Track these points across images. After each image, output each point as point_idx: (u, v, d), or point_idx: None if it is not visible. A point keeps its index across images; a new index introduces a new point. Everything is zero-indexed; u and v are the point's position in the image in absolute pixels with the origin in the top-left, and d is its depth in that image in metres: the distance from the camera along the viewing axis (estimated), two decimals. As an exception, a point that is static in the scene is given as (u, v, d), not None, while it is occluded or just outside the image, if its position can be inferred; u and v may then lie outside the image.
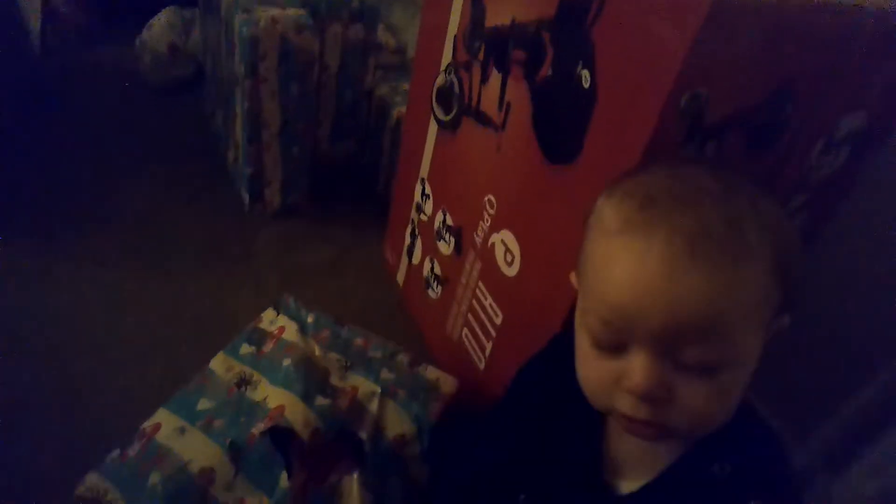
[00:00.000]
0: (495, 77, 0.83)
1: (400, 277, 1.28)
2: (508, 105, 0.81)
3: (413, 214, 1.18)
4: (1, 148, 1.39)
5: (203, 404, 0.74)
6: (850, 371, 0.93)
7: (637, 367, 0.40)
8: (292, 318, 0.88)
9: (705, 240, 0.38)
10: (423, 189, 1.12)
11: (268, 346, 0.83)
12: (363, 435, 0.74)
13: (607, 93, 0.61)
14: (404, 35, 1.70)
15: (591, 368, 0.45)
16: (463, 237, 0.99)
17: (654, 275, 0.39)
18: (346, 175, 1.57)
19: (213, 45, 1.53)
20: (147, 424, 0.72)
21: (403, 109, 1.42)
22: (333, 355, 0.83)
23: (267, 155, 1.35)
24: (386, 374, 0.82)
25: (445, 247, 1.06)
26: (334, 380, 0.79)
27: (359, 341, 0.88)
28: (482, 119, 0.88)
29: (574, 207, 0.70)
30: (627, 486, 0.49)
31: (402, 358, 0.87)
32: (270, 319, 0.88)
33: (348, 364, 0.82)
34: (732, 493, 0.44)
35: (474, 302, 0.98)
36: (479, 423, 0.70)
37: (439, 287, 1.10)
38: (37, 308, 1.10)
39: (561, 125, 0.70)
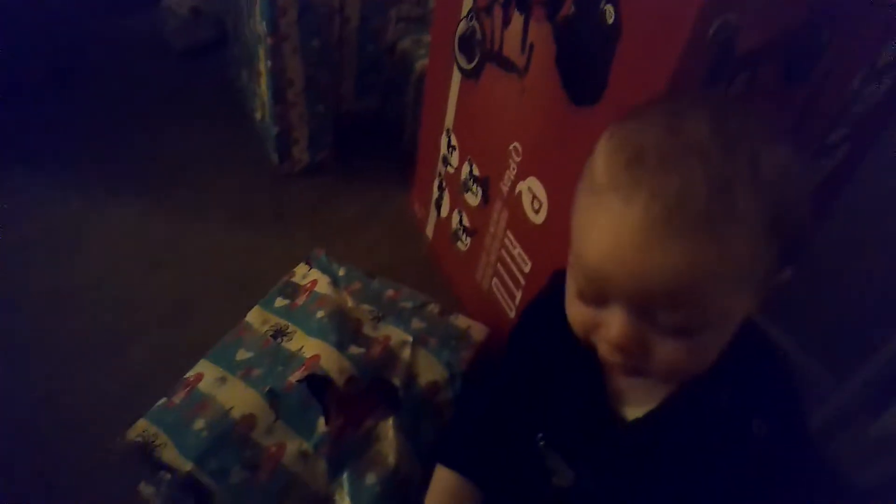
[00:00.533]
0: (517, 19, 0.81)
1: (429, 231, 1.28)
2: (531, 47, 0.79)
3: (440, 167, 1.18)
4: (29, 114, 1.43)
5: (241, 355, 0.77)
6: (889, 313, 0.91)
7: (614, 322, 0.41)
8: (324, 271, 0.89)
9: (684, 210, 0.36)
10: (449, 141, 1.11)
11: (301, 299, 0.85)
12: (396, 382, 0.76)
13: (632, 26, 0.59)
14: (425, -16, 1.65)
15: (575, 312, 0.45)
16: (490, 187, 0.98)
17: (627, 243, 0.38)
18: (372, 130, 1.56)
19: (234, 6, 1.52)
20: (190, 374, 0.75)
21: (426, 62, 1.40)
22: (365, 306, 0.84)
23: (293, 113, 1.35)
24: (417, 324, 0.84)
25: (473, 198, 1.05)
26: (367, 330, 0.81)
27: (389, 293, 0.89)
28: (505, 64, 0.86)
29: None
30: (632, 412, 0.50)
31: (433, 308, 0.88)
32: (303, 273, 0.90)
33: (380, 315, 0.83)
34: (735, 415, 0.45)
35: (503, 251, 0.98)
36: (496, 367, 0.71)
37: (468, 238, 1.11)
38: (77, 266, 1.15)
39: (585, 64, 0.68)
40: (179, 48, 1.84)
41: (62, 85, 1.55)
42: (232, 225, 1.27)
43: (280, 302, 0.85)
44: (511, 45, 0.83)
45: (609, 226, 0.39)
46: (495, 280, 1.02)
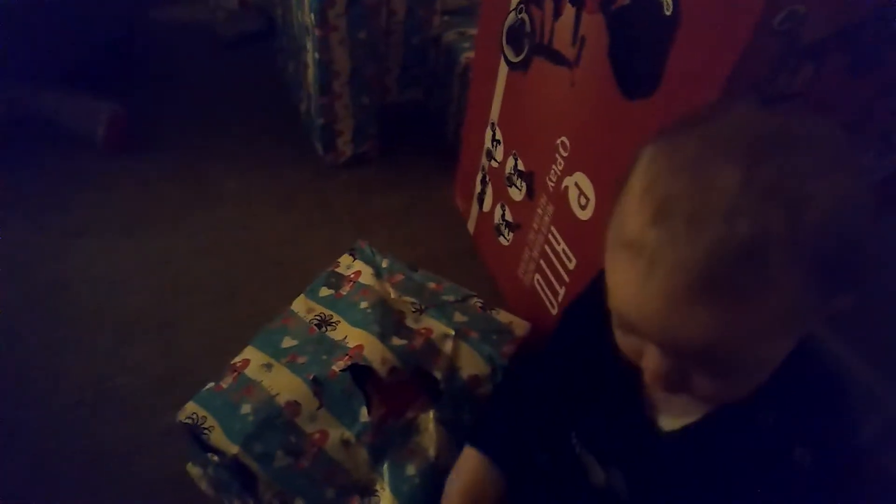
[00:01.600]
0: (569, 11, 0.79)
1: (471, 225, 1.28)
2: (583, 39, 0.77)
3: (483, 161, 1.17)
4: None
5: (287, 342, 0.78)
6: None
7: (650, 358, 0.40)
8: (367, 262, 0.90)
9: (709, 280, 0.34)
10: (494, 135, 1.11)
11: (345, 289, 0.85)
12: (438, 374, 0.76)
13: (691, 16, 0.57)
14: (471, -24, 1.64)
15: (618, 335, 0.44)
16: (535, 182, 0.97)
17: (652, 307, 0.37)
18: (415, 122, 1.57)
19: (282, -3, 1.54)
20: (237, 360, 0.77)
21: (471, 55, 1.39)
22: (407, 298, 0.85)
23: (338, 104, 1.36)
24: (459, 317, 0.83)
25: (517, 192, 1.04)
26: (409, 321, 0.81)
27: (432, 285, 0.89)
28: (555, 57, 0.85)
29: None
30: (669, 423, 0.49)
31: (475, 302, 0.88)
32: (347, 264, 0.91)
33: (422, 307, 0.83)
34: (777, 440, 0.43)
35: (546, 247, 0.97)
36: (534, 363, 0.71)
37: (510, 233, 1.10)
38: (129, 250, 1.19)
39: (639, 56, 0.66)
40: (228, 39, 1.88)
41: (112, 74, 1.60)
42: (277, 214, 1.30)
43: (324, 291, 0.86)
44: (562, 37, 0.82)
45: (634, 285, 0.37)
46: (538, 276, 1.01)
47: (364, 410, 0.71)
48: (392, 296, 0.85)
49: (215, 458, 0.67)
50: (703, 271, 0.34)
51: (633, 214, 0.38)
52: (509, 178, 1.06)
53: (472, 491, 0.61)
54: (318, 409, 0.70)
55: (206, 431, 0.68)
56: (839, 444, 0.44)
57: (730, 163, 0.35)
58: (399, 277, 0.88)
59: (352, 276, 0.88)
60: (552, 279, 0.96)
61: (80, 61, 1.48)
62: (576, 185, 0.85)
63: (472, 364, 0.79)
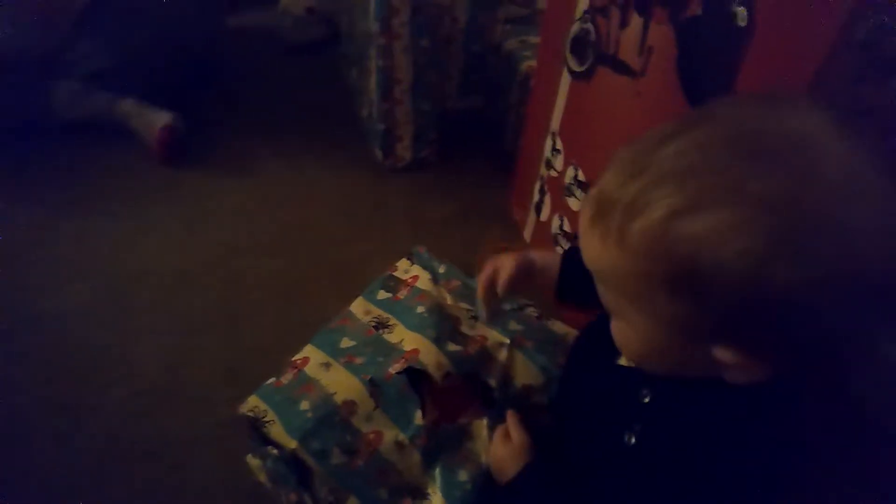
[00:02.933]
0: (636, 21, 0.79)
1: (527, 233, 1.28)
2: (650, 50, 0.77)
3: (542, 170, 1.17)
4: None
5: (345, 343, 0.79)
6: None
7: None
8: (425, 267, 0.91)
9: (594, 217, 0.42)
10: (554, 144, 1.10)
11: (402, 293, 0.86)
12: (492, 382, 0.76)
13: (767, 28, 0.56)
14: (534, -16, 1.64)
15: None
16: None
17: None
18: (474, 129, 1.58)
19: (348, 5, 1.58)
20: (297, 357, 0.79)
21: (532, 63, 1.39)
22: (464, 305, 0.85)
23: (398, 111, 1.38)
24: (514, 325, 0.83)
25: (576, 203, 1.04)
26: (464, 328, 0.81)
27: None
28: (620, 67, 0.84)
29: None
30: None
31: (531, 311, 0.87)
32: (405, 268, 0.92)
33: (477, 314, 0.83)
34: (642, 454, 0.49)
35: (604, 258, 0.96)
36: None
37: (568, 244, 1.09)
38: (196, 248, 1.24)
39: (709, 68, 0.65)
40: (293, 45, 1.94)
41: (180, 79, 1.67)
42: (336, 216, 1.33)
43: (382, 294, 0.87)
44: (628, 47, 0.81)
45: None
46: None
47: (419, 414, 0.71)
48: (448, 301, 0.85)
49: (274, 451, 0.69)
50: (593, 207, 0.42)
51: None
52: (569, 189, 1.06)
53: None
54: (374, 409, 0.71)
55: (266, 425, 0.71)
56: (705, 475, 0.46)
57: (674, 139, 0.38)
58: (456, 284, 0.89)
59: (409, 280, 0.89)
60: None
61: (162, 67, 1.55)
62: (637, 196, 0.84)
63: (526, 373, 0.79)
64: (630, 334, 0.46)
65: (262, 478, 0.80)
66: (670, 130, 0.40)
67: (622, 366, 0.55)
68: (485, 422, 0.73)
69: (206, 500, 0.85)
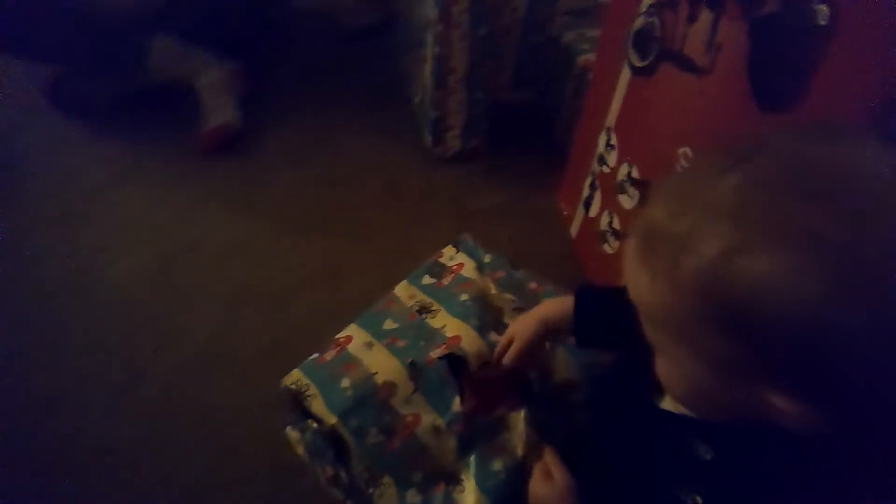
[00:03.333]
0: (706, 16, 0.76)
1: (573, 228, 1.26)
2: (718, 46, 0.74)
3: (594, 166, 1.15)
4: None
5: (388, 325, 0.80)
6: None
7: None
8: (470, 255, 0.91)
9: (642, 241, 0.41)
10: (608, 140, 1.08)
11: (447, 279, 0.87)
12: (531, 375, 0.76)
13: (850, 28, 0.53)
14: (596, -23, 1.61)
15: None
16: (650, 192, 0.94)
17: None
18: (525, 122, 1.56)
19: (407, -9, 1.58)
20: (340, 336, 0.80)
21: (589, 57, 1.37)
22: (507, 295, 0.85)
23: (451, 99, 1.38)
24: None
25: (628, 200, 1.02)
26: (507, 318, 0.81)
27: (532, 285, 0.88)
28: (684, 63, 0.82)
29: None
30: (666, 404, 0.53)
31: None
32: (450, 255, 0.92)
33: (521, 305, 0.83)
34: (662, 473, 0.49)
35: (653, 259, 0.94)
36: None
37: (616, 242, 1.07)
38: (245, 223, 1.27)
39: (783, 68, 0.62)
40: (350, 29, 1.95)
41: (238, 61, 1.70)
42: (383, 200, 1.34)
43: (427, 280, 0.88)
44: (695, 43, 0.79)
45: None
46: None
47: (457, 400, 0.72)
48: (492, 291, 0.85)
49: (314, 424, 0.71)
50: (641, 239, 0.41)
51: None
52: (621, 186, 1.04)
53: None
54: (413, 393, 0.72)
55: (307, 398, 0.72)
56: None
57: (729, 173, 0.37)
58: (500, 274, 0.88)
59: (454, 267, 0.89)
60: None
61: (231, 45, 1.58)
62: (694, 197, 0.82)
63: (565, 369, 0.78)
64: (676, 373, 0.44)
65: (300, 450, 0.81)
66: (724, 161, 0.38)
67: (666, 411, 0.52)
68: (522, 414, 0.73)
69: (245, 467, 0.87)
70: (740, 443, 0.44)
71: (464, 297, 0.82)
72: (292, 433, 0.79)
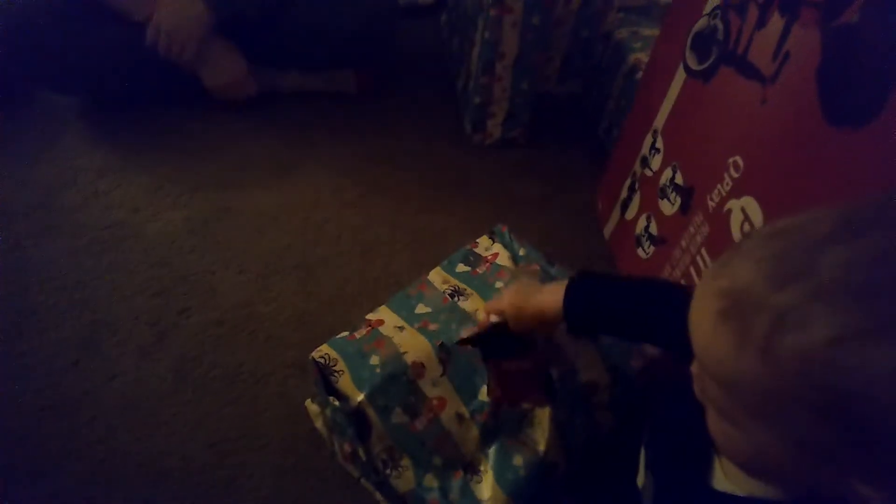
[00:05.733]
0: (776, 21, 0.74)
1: (607, 229, 1.24)
2: (787, 54, 0.72)
3: (636, 167, 1.13)
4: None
5: (421, 309, 0.80)
6: None
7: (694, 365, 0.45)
8: (506, 246, 0.90)
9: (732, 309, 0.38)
10: (654, 142, 1.06)
11: (481, 268, 0.86)
12: (554, 373, 0.75)
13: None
14: (655, -25, 1.58)
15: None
16: (693, 198, 0.92)
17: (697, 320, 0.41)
18: (568, 115, 1.54)
19: (461, -27, 1.56)
20: (372, 317, 0.80)
21: (641, 56, 1.34)
22: None
23: (496, 86, 1.36)
24: None
25: (668, 206, 1.00)
26: None
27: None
28: (747, 69, 0.80)
29: (851, 179, 0.61)
30: (718, 481, 0.50)
31: None
32: (486, 245, 0.91)
33: None
34: None
35: (692, 269, 0.92)
36: None
37: (652, 247, 1.05)
38: (283, 193, 1.27)
39: (858, 81, 0.60)
40: (400, 7, 1.93)
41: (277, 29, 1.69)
42: (420, 183, 1.33)
43: (462, 268, 0.87)
44: (761, 49, 0.76)
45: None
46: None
47: (484, 389, 0.71)
48: None
49: (336, 402, 0.71)
50: (726, 300, 0.38)
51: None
52: (663, 190, 1.01)
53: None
54: (441, 375, 0.72)
55: (335, 374, 0.72)
56: None
57: (841, 244, 0.34)
58: (535, 267, 0.87)
59: (489, 257, 0.88)
60: (690, 302, 0.91)
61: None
62: (742, 209, 0.80)
63: (593, 369, 0.77)
64: (739, 442, 0.41)
65: (319, 424, 0.82)
66: (833, 229, 0.34)
67: (724, 493, 0.48)
68: (548, 411, 0.72)
69: (264, 436, 0.88)
70: None
71: (499, 284, 0.82)
72: (312, 406, 0.79)
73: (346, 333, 0.77)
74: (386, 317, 0.79)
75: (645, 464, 0.59)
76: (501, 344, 0.72)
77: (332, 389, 0.73)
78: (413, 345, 0.74)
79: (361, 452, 0.71)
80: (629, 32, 1.44)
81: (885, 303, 0.31)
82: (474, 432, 0.70)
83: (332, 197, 1.27)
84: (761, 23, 0.77)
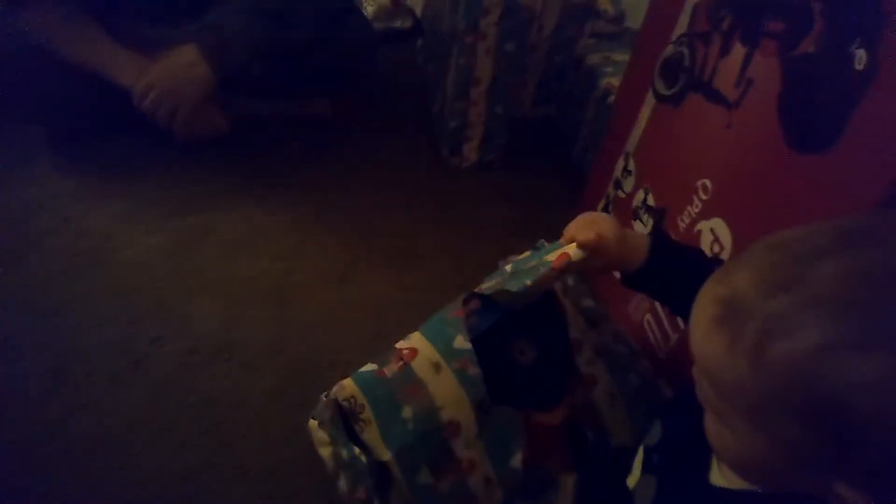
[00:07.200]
0: (738, 50, 0.76)
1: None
2: (749, 82, 0.74)
3: (610, 190, 1.15)
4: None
5: (460, 343, 0.68)
6: None
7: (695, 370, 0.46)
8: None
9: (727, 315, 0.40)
10: (626, 165, 1.08)
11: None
12: (590, 434, 0.71)
13: (889, 74, 0.53)
14: (625, 3, 1.62)
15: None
16: (664, 220, 0.94)
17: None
18: (543, 139, 1.57)
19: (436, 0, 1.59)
20: (403, 346, 0.70)
21: (612, 80, 1.37)
22: (593, 331, 0.78)
23: (472, 111, 1.38)
24: (633, 380, 0.76)
25: (641, 227, 1.02)
26: (580, 359, 0.75)
27: (612, 326, 0.82)
28: (712, 95, 0.82)
29: (812, 202, 0.63)
30: (715, 477, 0.51)
31: (647, 364, 0.79)
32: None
33: (599, 348, 0.76)
34: None
35: (664, 287, 0.93)
36: None
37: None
38: (260, 220, 1.27)
39: (817, 109, 0.62)
40: (379, 36, 1.96)
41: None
42: (397, 206, 1.34)
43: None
44: (725, 76, 0.79)
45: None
46: (649, 316, 0.98)
47: (519, 456, 0.65)
48: (579, 322, 0.78)
49: (363, 456, 0.63)
50: (721, 307, 0.40)
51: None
52: (636, 212, 1.03)
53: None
54: (476, 436, 0.65)
55: (361, 423, 0.64)
56: None
57: (831, 256, 0.36)
58: (587, 303, 0.80)
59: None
60: (665, 322, 0.93)
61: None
62: (711, 230, 0.82)
63: (624, 433, 0.72)
64: (731, 442, 0.43)
65: (326, 453, 0.68)
66: (826, 242, 0.37)
67: (722, 489, 0.50)
68: (573, 479, 0.67)
69: (240, 461, 0.86)
70: None
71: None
72: (320, 433, 0.68)
73: (374, 367, 0.68)
74: (420, 347, 0.69)
75: (644, 466, 0.59)
76: (534, 386, 0.69)
77: (353, 435, 0.65)
78: (450, 397, 0.65)
79: (376, 502, 0.65)
80: (601, 58, 1.47)
81: (869, 316, 0.33)
82: (498, 495, 0.66)
83: (308, 222, 1.27)
84: (725, 51, 0.80)
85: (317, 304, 1.09)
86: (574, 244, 0.63)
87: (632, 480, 0.60)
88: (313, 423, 0.69)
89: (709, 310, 0.40)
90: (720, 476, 0.50)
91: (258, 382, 0.95)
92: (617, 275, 0.69)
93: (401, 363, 0.68)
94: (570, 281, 0.82)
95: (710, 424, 0.45)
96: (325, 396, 0.68)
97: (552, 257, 0.65)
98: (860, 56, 0.56)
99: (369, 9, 1.96)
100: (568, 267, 0.63)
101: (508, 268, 0.75)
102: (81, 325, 1.02)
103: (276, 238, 1.22)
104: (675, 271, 0.62)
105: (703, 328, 0.41)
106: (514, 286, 0.64)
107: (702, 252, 0.77)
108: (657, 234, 0.64)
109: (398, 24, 1.96)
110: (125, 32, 1.23)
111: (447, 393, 0.66)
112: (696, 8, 0.86)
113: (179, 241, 1.19)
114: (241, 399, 0.93)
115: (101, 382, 0.94)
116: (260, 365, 0.98)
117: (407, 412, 0.64)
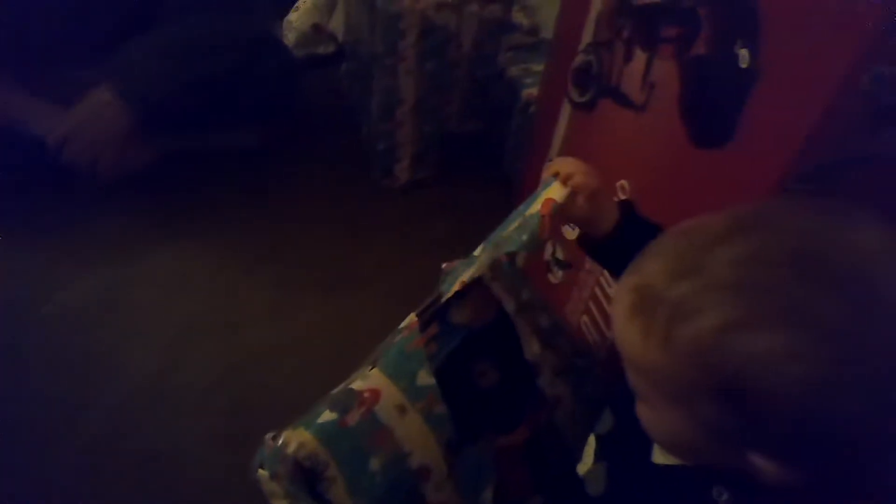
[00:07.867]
0: (639, 56, 0.80)
1: (520, 259, 1.28)
2: (652, 85, 0.78)
3: (539, 196, 1.17)
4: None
5: (423, 378, 0.64)
6: None
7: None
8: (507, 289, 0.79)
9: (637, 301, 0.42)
10: (552, 171, 1.11)
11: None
12: (552, 455, 0.71)
13: (771, 71, 0.57)
14: (539, 15, 1.67)
15: None
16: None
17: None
18: (473, 153, 1.59)
19: (355, 24, 1.59)
20: (364, 388, 0.63)
21: (533, 91, 1.41)
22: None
23: (399, 132, 1.39)
24: (591, 391, 0.76)
25: (571, 231, 1.04)
26: (541, 381, 0.73)
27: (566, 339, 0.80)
28: (621, 100, 0.86)
29: (720, 194, 0.67)
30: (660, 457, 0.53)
31: (599, 371, 0.80)
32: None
33: (561, 366, 0.75)
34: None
35: (597, 289, 0.96)
36: None
37: (560, 271, 1.09)
38: (186, 266, 1.23)
39: (713, 107, 0.66)
40: (301, 64, 1.95)
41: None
42: (332, 232, 1.33)
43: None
44: (630, 81, 0.83)
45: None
46: (585, 317, 1.00)
47: (489, 491, 0.65)
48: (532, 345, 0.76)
49: None
50: (634, 296, 0.42)
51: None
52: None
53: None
54: (446, 477, 0.64)
55: (325, 482, 0.59)
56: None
57: (728, 243, 0.38)
58: (544, 321, 0.78)
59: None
60: (600, 322, 0.95)
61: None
62: (634, 228, 0.85)
63: (597, 483, 0.67)
64: (659, 423, 0.45)
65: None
66: (723, 230, 0.39)
67: (661, 465, 0.52)
68: (537, 501, 0.68)
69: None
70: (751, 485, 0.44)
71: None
72: (271, 485, 0.61)
73: (333, 416, 0.61)
74: (383, 387, 0.63)
75: (596, 454, 0.61)
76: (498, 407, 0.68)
77: (317, 493, 0.59)
78: (418, 441, 0.62)
79: None
80: (520, 70, 1.51)
81: (760, 296, 0.36)
82: None
83: (240, 257, 1.24)
84: (628, 57, 0.83)
85: (258, 338, 1.07)
86: (556, 185, 0.64)
87: (583, 468, 0.62)
88: (263, 473, 0.61)
89: (625, 299, 0.42)
90: (660, 454, 0.52)
91: (204, 426, 0.92)
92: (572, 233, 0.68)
93: (363, 409, 0.62)
94: (525, 295, 0.80)
95: (640, 409, 0.47)
96: (272, 439, 0.62)
97: (537, 207, 0.65)
98: (743, 55, 0.60)
99: (290, 36, 1.96)
100: (555, 211, 0.63)
101: (479, 249, 0.76)
102: (7, 383, 0.96)
103: (206, 278, 1.19)
104: (640, 246, 0.64)
105: (621, 317, 0.43)
106: (513, 245, 0.66)
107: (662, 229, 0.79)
108: (626, 203, 0.65)
109: (321, 49, 1.97)
110: (39, 77, 1.20)
111: (415, 437, 0.63)
112: (598, 18, 0.90)
113: (107, 288, 1.14)
114: (186, 447, 0.90)
115: (31, 446, 0.89)
116: (203, 406, 0.95)
117: (375, 463, 0.61)
